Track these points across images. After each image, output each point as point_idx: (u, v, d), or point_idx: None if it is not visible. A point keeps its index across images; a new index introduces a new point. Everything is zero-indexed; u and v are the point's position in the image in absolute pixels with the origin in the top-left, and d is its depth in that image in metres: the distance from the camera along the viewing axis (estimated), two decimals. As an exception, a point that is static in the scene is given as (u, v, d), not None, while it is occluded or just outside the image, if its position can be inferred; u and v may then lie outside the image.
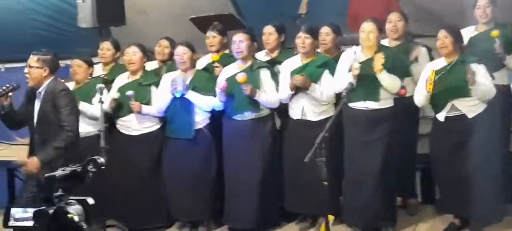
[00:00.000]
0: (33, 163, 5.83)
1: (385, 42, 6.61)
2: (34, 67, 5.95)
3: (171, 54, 7.31)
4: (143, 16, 9.46)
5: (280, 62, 6.76)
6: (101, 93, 6.53)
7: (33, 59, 5.97)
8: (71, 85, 7.06)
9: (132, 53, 6.93)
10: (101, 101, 6.45)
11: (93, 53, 7.59)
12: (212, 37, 7.15)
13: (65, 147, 5.88)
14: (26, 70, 6.04)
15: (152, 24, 9.05)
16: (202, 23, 7.95)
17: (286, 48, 7.08)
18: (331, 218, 5.70)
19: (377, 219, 6.34)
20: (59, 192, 2.63)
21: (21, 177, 8.67)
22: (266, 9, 8.32)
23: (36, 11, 9.86)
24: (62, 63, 9.79)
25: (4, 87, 6.07)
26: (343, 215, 6.49)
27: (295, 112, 6.55)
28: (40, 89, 5.95)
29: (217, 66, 6.96)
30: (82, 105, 6.72)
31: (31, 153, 6.06)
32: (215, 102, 6.67)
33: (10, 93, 6.00)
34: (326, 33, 6.76)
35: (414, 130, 6.81)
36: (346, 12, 7.98)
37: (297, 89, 6.43)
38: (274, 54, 6.98)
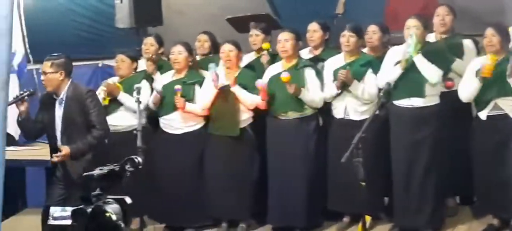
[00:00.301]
0: (64, 150, 5.89)
1: (431, 36, 6.55)
2: (49, 73, 5.99)
3: (211, 48, 7.36)
4: (180, 16, 9.48)
5: (323, 60, 6.76)
6: (138, 93, 6.56)
7: (47, 65, 6.02)
8: (114, 80, 7.14)
9: (178, 53, 6.95)
10: (138, 101, 6.49)
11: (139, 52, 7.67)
12: (255, 36, 7.18)
13: (95, 145, 5.97)
14: (42, 77, 6.09)
15: (189, 24, 9.06)
16: (239, 23, 7.97)
17: (330, 47, 7.06)
18: (368, 218, 5.68)
19: (422, 219, 6.28)
20: (97, 191, 2.65)
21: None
22: (303, 9, 8.30)
23: (76, 12, 9.94)
24: (100, 63, 9.93)
25: (20, 93, 6.13)
26: (394, 216, 6.45)
27: (338, 112, 6.54)
28: (61, 95, 6.00)
29: (264, 55, 6.96)
30: (122, 95, 6.78)
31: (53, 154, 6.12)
32: (259, 100, 6.66)
33: (26, 98, 6.06)
34: (373, 31, 6.74)
35: (466, 128, 6.50)
36: (383, 11, 7.93)
37: (341, 88, 6.41)
38: (318, 52, 6.98)
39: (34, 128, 6.19)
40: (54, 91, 6.03)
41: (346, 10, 8.08)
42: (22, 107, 6.05)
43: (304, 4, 8.52)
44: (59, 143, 6.02)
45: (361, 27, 6.63)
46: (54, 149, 6.09)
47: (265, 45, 7.02)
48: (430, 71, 6.06)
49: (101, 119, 6.10)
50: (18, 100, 6.02)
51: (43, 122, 6.12)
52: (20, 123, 6.18)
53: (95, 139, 6.00)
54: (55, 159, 6.00)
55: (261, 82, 6.51)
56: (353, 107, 6.45)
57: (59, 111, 6.02)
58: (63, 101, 6.00)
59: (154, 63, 7.38)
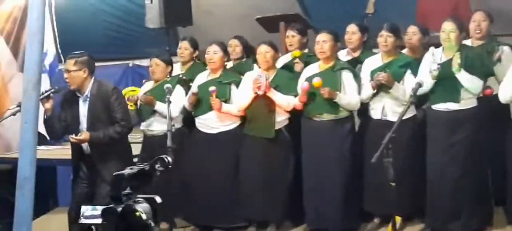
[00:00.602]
0: (84, 135, 5.94)
1: (468, 42, 6.49)
2: (73, 71, 6.02)
3: (243, 52, 7.36)
4: (210, 16, 9.51)
5: (361, 62, 6.71)
6: (169, 93, 6.58)
7: (70, 63, 6.05)
8: (149, 84, 7.17)
9: (213, 52, 6.94)
10: (168, 101, 6.50)
11: (171, 52, 7.71)
12: (292, 37, 7.15)
13: (115, 139, 6.02)
14: (65, 75, 6.12)
15: (218, 24, 9.09)
16: (268, 23, 7.97)
17: (368, 49, 7.02)
18: (398, 219, 5.64)
19: (456, 222, 6.22)
20: (127, 190, 2.66)
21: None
22: (333, 8, 8.29)
23: (106, 12, 10.01)
24: (130, 63, 9.99)
25: (45, 90, 6.17)
26: (427, 217, 6.42)
27: (375, 112, 6.49)
28: (86, 93, 6.04)
29: (297, 63, 6.93)
30: (158, 105, 6.80)
31: (78, 157, 6.15)
32: (296, 102, 6.61)
33: (51, 95, 6.09)
34: (413, 32, 6.70)
35: (504, 131, 6.36)
36: (413, 11, 7.88)
37: (378, 88, 6.38)
38: (356, 54, 6.94)
39: (59, 126, 6.20)
40: (77, 89, 6.07)
41: (376, 10, 8.04)
42: (48, 105, 6.07)
43: (334, 4, 8.51)
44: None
45: (399, 27, 6.57)
46: (77, 148, 6.13)
47: (296, 53, 6.97)
48: (472, 84, 6.02)
49: (125, 116, 6.16)
50: (43, 98, 6.05)
51: (67, 120, 6.15)
52: (45, 121, 6.20)
53: (117, 133, 6.05)
54: (73, 140, 6.02)
55: (306, 85, 6.45)
56: (391, 108, 6.40)
57: (83, 109, 6.07)
58: (88, 99, 6.04)
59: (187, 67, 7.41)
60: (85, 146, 6.03)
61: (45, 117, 6.15)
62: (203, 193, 6.96)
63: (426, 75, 6.13)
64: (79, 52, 6.14)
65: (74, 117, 6.09)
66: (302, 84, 6.48)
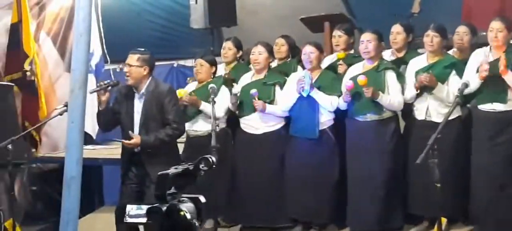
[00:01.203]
0: (136, 139, 5.95)
1: None
2: (134, 66, 6.04)
3: (289, 52, 7.35)
4: (254, 17, 9.51)
5: (406, 63, 6.67)
6: (214, 94, 6.60)
7: (133, 58, 6.07)
8: (193, 85, 7.21)
9: (258, 53, 6.96)
10: (213, 102, 6.52)
11: (215, 53, 7.74)
12: (338, 37, 7.13)
13: (167, 142, 6.04)
14: (125, 69, 6.12)
15: (263, 25, 9.10)
16: (313, 23, 7.95)
17: (413, 49, 6.98)
18: (443, 220, 5.58)
19: (504, 225, 6.15)
20: (172, 190, 2.68)
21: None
22: (378, 8, 8.24)
23: (151, 12, 10.08)
24: (175, 63, 10.05)
25: (104, 82, 6.21)
26: (470, 217, 6.35)
27: (419, 113, 6.44)
28: (142, 90, 6.06)
29: (341, 64, 6.91)
30: (203, 105, 6.83)
31: (128, 157, 6.17)
32: (340, 102, 6.60)
33: (109, 89, 6.13)
34: (464, 32, 6.64)
35: None
36: (459, 10, 7.80)
37: (422, 89, 6.33)
38: (401, 54, 6.89)
39: (112, 118, 6.22)
40: (135, 85, 6.09)
41: (422, 9, 7.97)
42: (104, 97, 6.11)
43: (380, 4, 8.46)
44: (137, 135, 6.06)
45: (445, 27, 6.51)
46: (127, 148, 6.14)
47: (340, 55, 6.95)
48: None
49: (178, 118, 6.16)
50: (101, 90, 6.10)
51: (120, 114, 6.17)
52: (99, 113, 6.25)
53: (168, 136, 6.05)
54: (125, 144, 6.04)
55: (350, 83, 6.43)
56: (435, 109, 6.34)
57: (138, 106, 6.08)
58: (144, 96, 6.06)
59: (230, 68, 7.43)
60: (132, 134, 6.04)
61: (100, 108, 6.20)
62: (247, 193, 6.98)
63: (473, 75, 6.06)
64: (142, 49, 6.17)
65: (128, 113, 6.11)
66: (346, 82, 6.46)
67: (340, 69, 6.88)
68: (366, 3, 8.91)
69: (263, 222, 7.00)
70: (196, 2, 8.51)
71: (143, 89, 6.07)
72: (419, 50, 6.82)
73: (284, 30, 7.67)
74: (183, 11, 9.32)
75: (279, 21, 8.87)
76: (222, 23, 8.69)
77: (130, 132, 6.00)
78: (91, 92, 6.15)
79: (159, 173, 2.70)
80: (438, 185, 4.95)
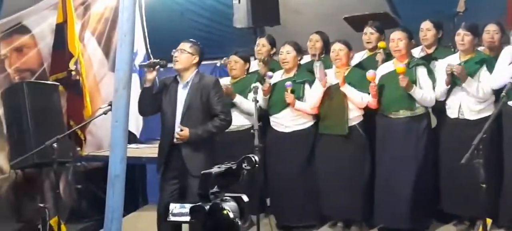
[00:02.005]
0: (185, 131, 5.95)
1: None
2: (186, 52, 6.07)
3: (323, 48, 7.35)
4: (297, 16, 9.49)
5: (436, 59, 6.66)
6: (256, 92, 6.63)
7: (186, 45, 6.10)
8: (227, 80, 7.24)
9: (286, 52, 7.00)
10: (255, 100, 6.54)
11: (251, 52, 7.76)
12: (370, 34, 7.15)
13: (214, 134, 6.06)
14: (175, 54, 6.10)
15: (306, 24, 9.05)
16: (356, 22, 7.92)
17: (443, 46, 6.94)
18: (489, 221, 5.51)
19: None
20: (215, 189, 2.68)
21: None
22: (423, 7, 8.15)
23: (195, 12, 10.11)
24: (218, 62, 10.07)
25: (153, 60, 6.23)
26: (500, 218, 6.27)
27: (452, 111, 6.40)
28: (187, 80, 6.08)
29: (380, 53, 6.91)
30: (237, 98, 6.88)
31: (166, 154, 6.16)
32: (369, 99, 6.59)
33: (157, 67, 6.12)
34: (494, 31, 6.58)
35: None
36: (505, 8, 7.70)
37: (453, 85, 6.29)
38: (431, 51, 6.88)
39: (153, 103, 6.17)
40: (181, 71, 6.10)
41: (467, 8, 7.88)
42: (150, 76, 6.07)
43: (424, 2, 8.38)
44: (178, 124, 6.07)
45: (477, 26, 6.47)
46: (168, 134, 6.14)
47: (381, 44, 6.97)
48: None
49: (226, 109, 6.19)
50: (150, 66, 6.11)
51: (162, 100, 6.16)
52: (142, 91, 6.22)
53: (216, 128, 6.06)
54: (176, 136, 6.05)
55: (372, 72, 6.42)
56: (467, 106, 6.30)
57: (181, 95, 6.09)
58: (188, 86, 6.08)
59: (265, 65, 7.44)
60: (181, 126, 6.05)
61: (144, 87, 6.20)
62: (278, 192, 7.02)
63: (504, 71, 6.02)
64: (195, 40, 6.23)
65: (170, 102, 6.11)
66: (368, 72, 6.44)
67: (378, 57, 6.91)
68: (410, 2, 8.83)
69: (293, 220, 7.04)
70: (239, 2, 8.50)
71: (188, 78, 6.09)
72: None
73: (327, 29, 7.65)
74: (226, 10, 9.33)
75: (322, 20, 8.82)
76: (265, 22, 8.67)
77: (179, 125, 6.01)
78: (140, 66, 6.21)
79: (202, 172, 2.70)
80: (484, 185, 4.88)
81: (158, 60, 6.13)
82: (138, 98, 6.19)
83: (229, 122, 6.18)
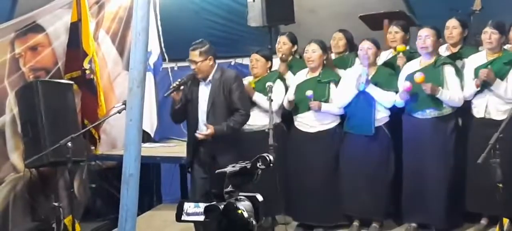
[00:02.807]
0: (210, 129, 6.05)
1: None
2: (200, 62, 6.12)
3: (346, 46, 7.32)
4: (312, 15, 9.46)
5: (461, 57, 6.62)
6: (270, 91, 6.60)
7: (195, 55, 6.16)
8: (248, 79, 7.23)
9: (312, 51, 6.95)
10: (270, 99, 6.52)
11: (273, 51, 7.78)
12: (395, 33, 7.12)
13: (236, 129, 6.16)
14: (192, 66, 6.19)
15: (321, 23, 9.03)
16: (372, 21, 7.89)
17: (468, 44, 6.91)
18: (505, 221, 5.47)
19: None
20: (229, 188, 2.66)
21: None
22: (438, 5, 8.09)
23: (209, 11, 10.09)
24: (233, 61, 10.05)
25: (176, 82, 6.26)
26: None
27: (478, 111, 6.35)
28: (209, 77, 6.16)
29: (400, 57, 6.87)
30: (256, 96, 6.87)
31: (194, 151, 6.23)
32: (396, 99, 6.56)
33: (181, 88, 6.19)
34: None
35: None
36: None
37: (481, 86, 6.24)
38: (456, 49, 6.83)
39: (184, 113, 6.34)
40: (204, 77, 6.22)
41: (483, 7, 7.82)
42: (177, 97, 6.22)
43: (440, 1, 8.32)
44: (203, 122, 6.17)
45: (504, 24, 6.41)
46: (195, 132, 6.23)
47: (400, 47, 6.91)
48: None
49: (245, 103, 6.29)
50: (174, 90, 6.19)
51: (186, 102, 6.26)
52: (175, 111, 6.34)
53: (237, 123, 6.18)
54: (199, 136, 6.13)
55: (408, 85, 6.37)
56: (494, 106, 6.25)
57: (204, 93, 6.20)
58: (210, 83, 6.18)
59: (283, 62, 7.43)
60: (206, 124, 6.13)
61: (176, 107, 6.28)
62: (303, 192, 6.99)
63: None
64: (199, 41, 6.26)
65: (194, 101, 6.24)
66: (404, 84, 6.40)
67: (399, 61, 6.86)
68: (426, 0, 8.78)
69: (318, 220, 7.01)
70: (254, 0, 8.48)
71: (210, 77, 6.18)
72: (480, 48, 6.71)
73: (343, 28, 7.63)
74: (241, 9, 9.31)
75: (337, 18, 8.79)
76: (279, 21, 8.64)
77: (204, 123, 6.13)
78: (166, 96, 6.29)
79: (216, 171, 2.68)
80: (501, 185, 4.84)
81: (179, 81, 6.25)
82: (170, 113, 6.42)
83: (248, 117, 6.31)
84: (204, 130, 6.14)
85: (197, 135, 6.14)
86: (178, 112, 6.33)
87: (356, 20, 8.00)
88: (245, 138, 6.75)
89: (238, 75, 6.41)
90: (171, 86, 6.30)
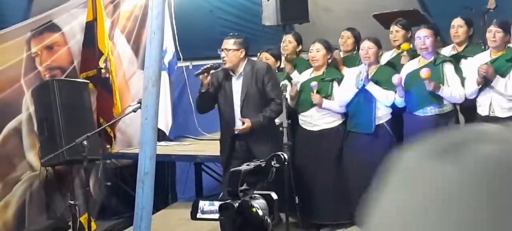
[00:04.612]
0: (247, 123, 6.12)
1: None
2: (231, 50, 6.17)
3: (355, 45, 7.33)
4: (326, 13, 9.46)
5: (465, 57, 6.60)
6: (285, 90, 6.63)
7: (229, 43, 6.23)
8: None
9: (316, 50, 6.98)
10: (285, 98, 6.55)
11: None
12: (396, 32, 7.11)
13: (273, 119, 6.29)
14: (222, 54, 6.25)
15: (336, 21, 9.03)
16: (386, 20, 7.86)
17: (474, 43, 6.88)
18: None
19: None
20: (244, 186, 2.68)
21: (207, 171, 8.97)
22: (452, 4, 8.08)
23: (224, 10, 10.12)
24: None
25: (207, 65, 6.32)
26: None
27: (482, 109, 6.34)
28: (240, 71, 6.22)
29: (404, 56, 6.88)
30: None
31: (230, 147, 6.27)
32: (396, 98, 6.57)
33: (211, 72, 6.24)
34: None
35: None
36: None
37: (484, 83, 6.23)
38: (461, 48, 6.81)
39: (211, 102, 6.43)
40: (232, 68, 6.26)
41: (497, 5, 7.80)
42: (206, 81, 6.27)
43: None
44: (238, 116, 6.24)
45: (509, 22, 6.39)
46: (229, 127, 6.29)
47: (405, 46, 6.92)
48: None
49: (279, 92, 6.36)
50: (204, 72, 6.25)
51: (217, 97, 6.34)
52: (201, 95, 6.41)
53: (274, 113, 6.28)
54: (237, 131, 6.18)
55: (398, 77, 6.39)
56: (498, 104, 6.24)
57: (237, 87, 6.27)
58: (242, 77, 6.23)
59: (289, 62, 7.45)
60: (241, 119, 6.20)
61: (202, 91, 6.34)
62: (306, 190, 6.99)
63: None
64: (236, 33, 6.33)
65: (227, 95, 6.30)
66: (393, 78, 6.45)
67: (403, 60, 6.87)
68: (440, -2, 8.77)
69: (324, 218, 7.04)
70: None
71: (240, 70, 6.23)
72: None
73: (357, 27, 7.63)
74: (254, 8, 9.33)
75: (351, 17, 8.78)
76: (294, 20, 8.64)
77: (239, 118, 6.20)
78: (196, 75, 6.33)
79: (231, 170, 2.71)
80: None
81: (211, 64, 6.33)
82: (196, 101, 6.52)
83: (282, 104, 6.36)
84: (240, 124, 6.18)
85: (235, 130, 6.20)
86: (204, 98, 6.36)
87: (371, 18, 7.99)
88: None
89: (270, 66, 6.51)
90: (202, 68, 6.36)
